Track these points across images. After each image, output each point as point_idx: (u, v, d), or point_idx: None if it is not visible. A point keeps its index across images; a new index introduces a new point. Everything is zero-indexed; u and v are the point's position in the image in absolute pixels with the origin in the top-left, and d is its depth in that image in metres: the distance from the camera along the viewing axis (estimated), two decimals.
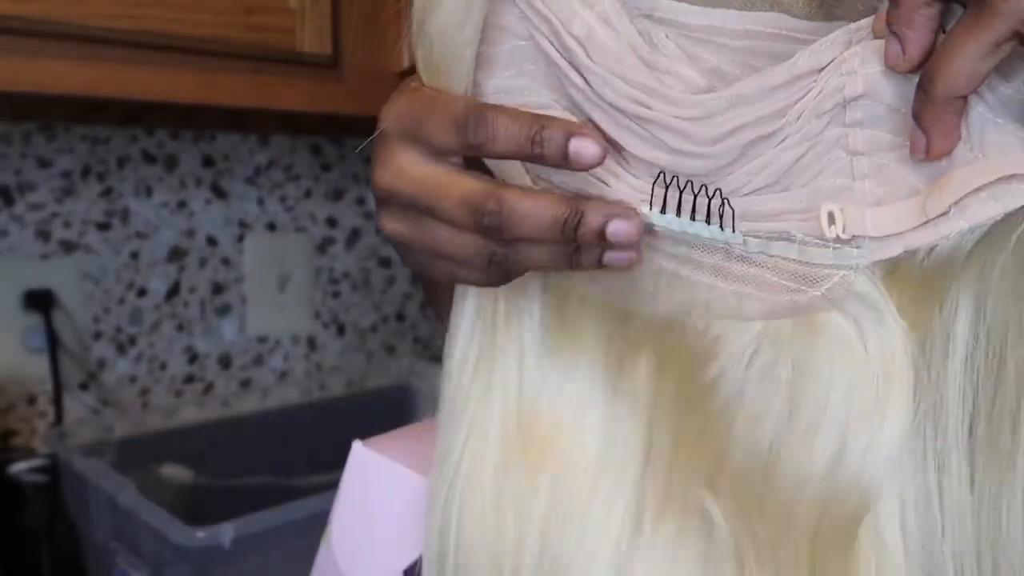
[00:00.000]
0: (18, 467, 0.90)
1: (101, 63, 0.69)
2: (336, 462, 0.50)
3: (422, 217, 0.34)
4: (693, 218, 0.31)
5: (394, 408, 1.14)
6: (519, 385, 0.38)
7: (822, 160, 0.31)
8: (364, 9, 0.83)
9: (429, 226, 0.34)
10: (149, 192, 1.04)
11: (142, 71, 0.71)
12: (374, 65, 0.83)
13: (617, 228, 0.30)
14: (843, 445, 0.31)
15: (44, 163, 0.96)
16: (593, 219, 0.30)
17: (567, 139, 0.30)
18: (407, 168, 0.33)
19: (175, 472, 0.94)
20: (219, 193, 1.10)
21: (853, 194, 0.30)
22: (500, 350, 0.38)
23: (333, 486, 0.50)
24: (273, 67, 0.78)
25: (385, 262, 1.27)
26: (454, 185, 0.32)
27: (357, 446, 0.48)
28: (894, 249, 0.30)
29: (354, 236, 1.23)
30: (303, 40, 0.78)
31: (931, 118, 0.28)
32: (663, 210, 0.31)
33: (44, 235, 0.96)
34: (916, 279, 0.31)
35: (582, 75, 0.32)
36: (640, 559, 0.35)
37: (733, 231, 0.31)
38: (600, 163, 0.30)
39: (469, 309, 0.39)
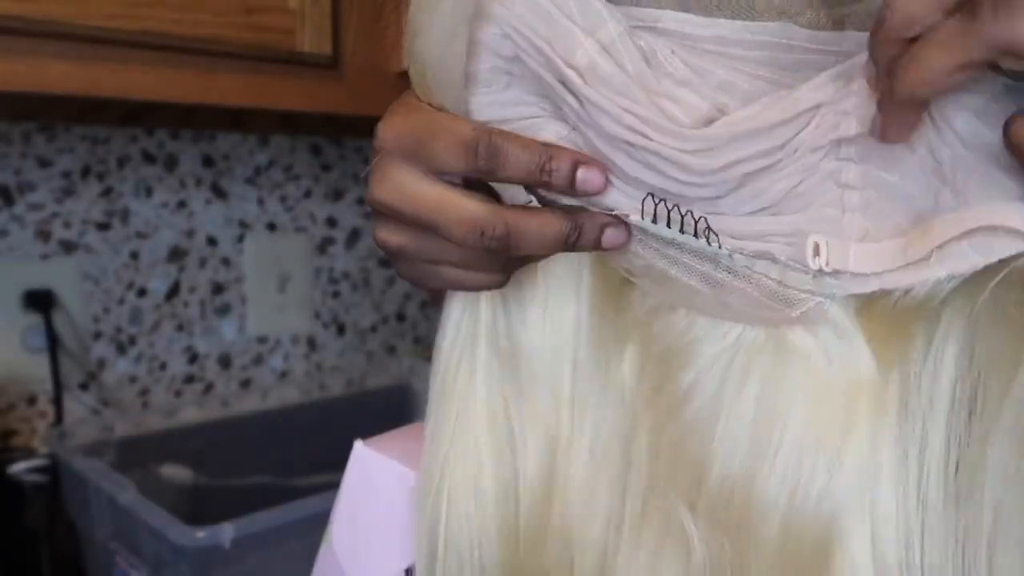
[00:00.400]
0: (18, 467, 0.90)
1: (101, 63, 0.69)
2: (336, 462, 0.50)
3: (423, 231, 0.35)
4: (682, 231, 0.33)
5: (394, 408, 1.14)
6: (504, 374, 0.40)
7: (814, 190, 0.31)
8: (364, 9, 0.83)
9: (430, 239, 0.35)
10: (149, 192, 1.04)
11: (142, 71, 0.71)
12: (374, 65, 0.83)
13: (611, 237, 0.34)
14: (802, 468, 0.32)
15: (44, 163, 0.96)
16: (591, 231, 0.33)
17: (574, 169, 0.32)
18: (406, 185, 0.34)
19: (175, 472, 0.94)
20: (219, 193, 1.10)
21: (840, 226, 0.31)
22: (486, 338, 0.40)
23: (333, 486, 0.50)
24: (273, 67, 0.78)
25: (385, 262, 1.27)
26: (458, 206, 0.33)
27: (358, 445, 0.48)
28: (870, 286, 0.30)
29: (354, 236, 1.23)
30: (303, 40, 0.78)
31: (891, 110, 0.28)
32: (654, 220, 0.33)
33: (44, 235, 0.96)
34: (889, 316, 0.31)
35: (578, 99, 0.32)
36: (622, 567, 0.36)
37: (720, 248, 0.32)
38: (604, 190, 0.32)
39: (458, 299, 0.40)
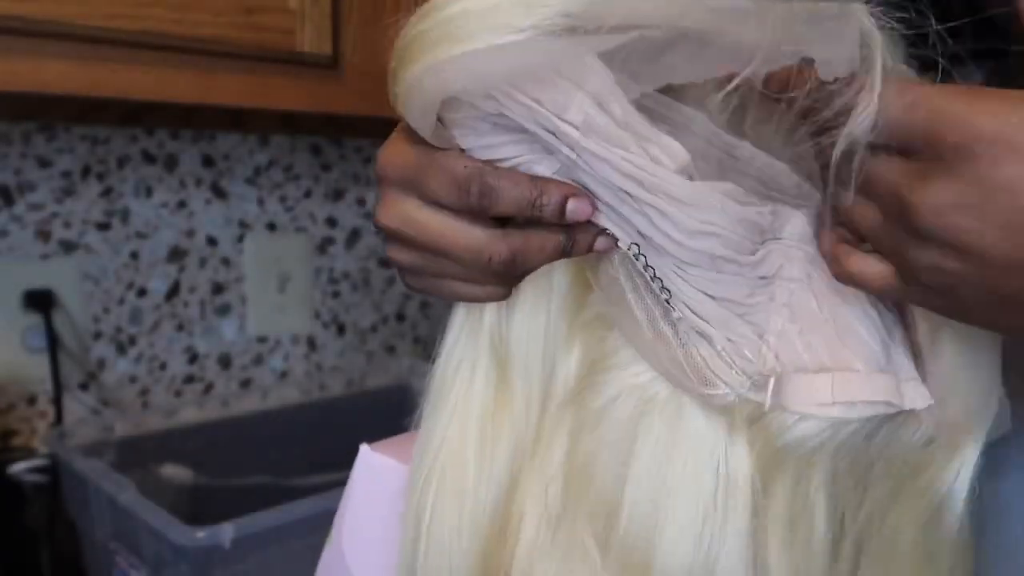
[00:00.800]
0: (18, 467, 0.90)
1: (101, 63, 0.69)
2: (336, 462, 0.50)
3: (430, 252, 0.37)
4: (653, 279, 0.35)
5: (394, 408, 1.14)
6: (498, 377, 0.41)
7: (755, 308, 0.35)
8: (364, 9, 0.83)
9: (436, 258, 0.37)
10: (149, 192, 1.04)
11: (142, 71, 0.71)
12: (374, 65, 0.83)
13: (602, 243, 0.36)
14: (690, 544, 0.35)
15: (44, 163, 0.96)
16: (584, 240, 0.36)
17: (564, 202, 0.33)
18: (409, 214, 0.36)
19: (175, 472, 0.94)
20: (219, 193, 1.10)
21: (764, 350, 0.35)
22: (488, 341, 0.41)
23: (333, 486, 0.50)
24: (273, 67, 0.78)
25: (385, 262, 1.27)
26: (461, 235, 0.35)
27: (364, 449, 0.48)
28: (767, 401, 0.34)
29: (354, 236, 1.23)
30: (303, 40, 0.78)
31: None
32: (636, 257, 0.35)
33: (44, 235, 0.97)
34: (772, 435, 0.35)
35: (574, 151, 0.32)
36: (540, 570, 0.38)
37: (673, 310, 0.35)
38: (592, 216, 0.35)
39: (462, 304, 0.42)
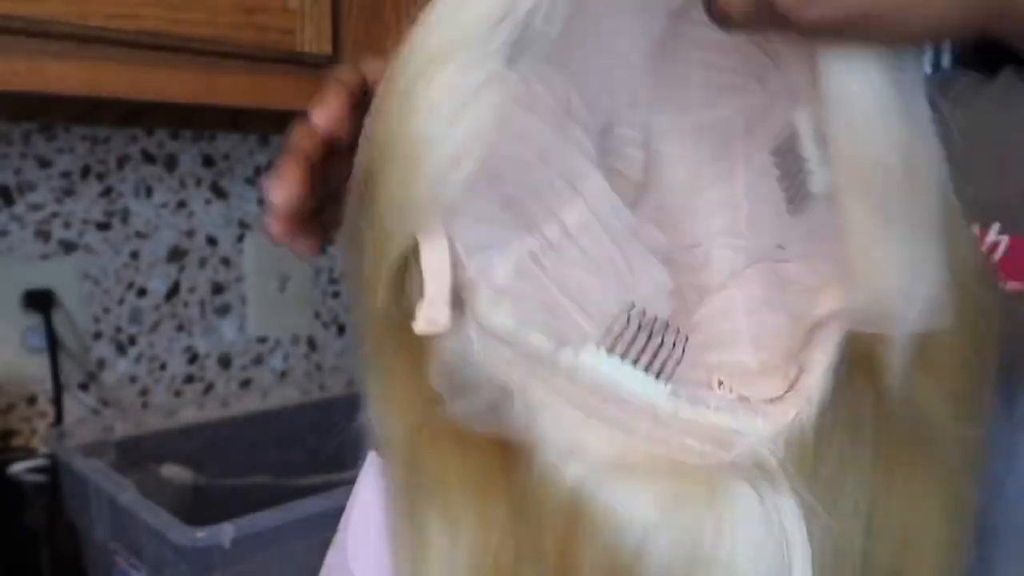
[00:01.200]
0: (18, 467, 0.90)
1: (101, 63, 0.69)
2: (336, 462, 0.50)
3: None
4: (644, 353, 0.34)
5: None
6: None
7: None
8: (364, 9, 0.83)
9: None
10: (149, 192, 1.04)
11: (142, 71, 0.71)
12: None
13: None
14: None
15: (44, 163, 0.96)
16: None
17: None
18: None
19: (175, 472, 0.94)
20: (219, 193, 1.10)
21: (714, 382, 0.34)
22: None
23: (333, 486, 0.50)
24: (273, 67, 0.78)
25: None
26: None
27: (373, 455, 0.48)
28: (786, 414, 0.31)
29: None
30: (303, 40, 0.78)
31: None
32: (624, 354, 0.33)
33: (44, 235, 0.96)
34: (806, 446, 0.31)
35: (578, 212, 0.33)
36: None
37: (667, 383, 0.31)
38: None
39: None
